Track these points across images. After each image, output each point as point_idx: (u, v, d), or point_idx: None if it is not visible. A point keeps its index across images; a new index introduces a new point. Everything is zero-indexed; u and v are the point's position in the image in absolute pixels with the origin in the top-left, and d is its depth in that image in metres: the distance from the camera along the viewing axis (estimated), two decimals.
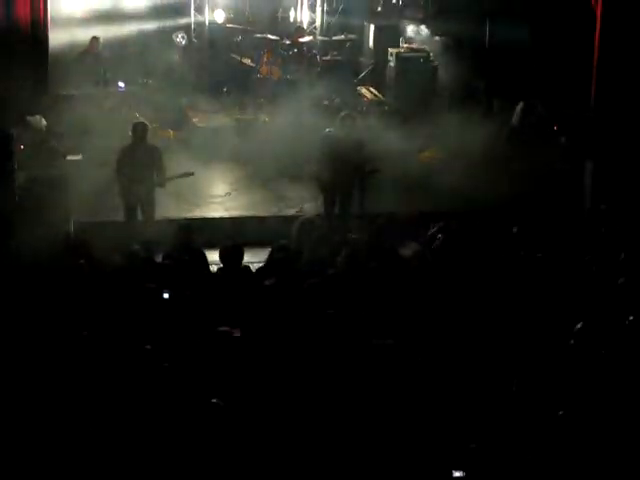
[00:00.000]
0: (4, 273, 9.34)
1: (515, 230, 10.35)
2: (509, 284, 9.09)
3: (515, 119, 13.44)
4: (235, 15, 17.94)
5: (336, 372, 7.49)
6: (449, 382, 7.45)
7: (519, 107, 13.79)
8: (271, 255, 9.93)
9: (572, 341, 7.75)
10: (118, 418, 6.78)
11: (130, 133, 12.26)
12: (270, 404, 7.04)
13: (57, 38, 15.59)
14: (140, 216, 12.19)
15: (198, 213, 13.36)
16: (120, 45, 16.91)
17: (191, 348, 7.85)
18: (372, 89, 17.27)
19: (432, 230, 10.53)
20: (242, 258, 9.62)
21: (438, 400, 7.20)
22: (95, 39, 16.09)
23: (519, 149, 13.11)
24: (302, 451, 6.61)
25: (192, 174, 12.42)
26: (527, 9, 16.57)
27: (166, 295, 8.77)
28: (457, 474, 6.32)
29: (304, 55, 17.27)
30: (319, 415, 6.95)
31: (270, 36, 17.24)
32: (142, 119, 13.49)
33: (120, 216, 12.30)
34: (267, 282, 9.14)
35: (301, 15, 18.44)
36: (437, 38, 17.33)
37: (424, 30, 17.64)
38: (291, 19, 18.32)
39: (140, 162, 11.97)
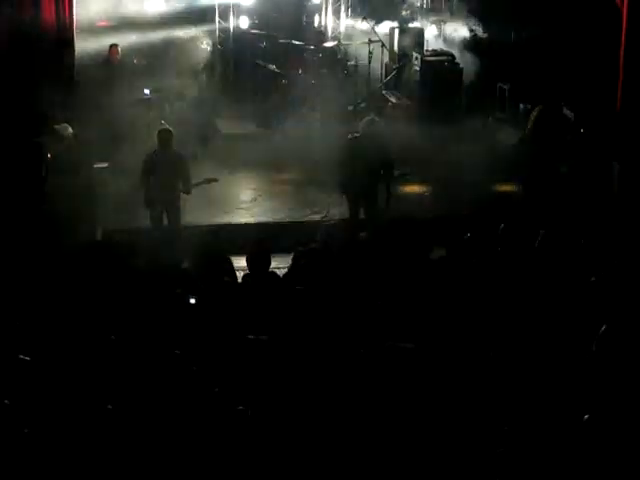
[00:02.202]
0: (32, 278, 9.42)
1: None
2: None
3: (530, 124, 13.24)
4: (260, 21, 17.97)
5: (363, 378, 7.50)
6: (466, 386, 7.46)
7: (534, 112, 13.61)
8: (296, 260, 9.93)
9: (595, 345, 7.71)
10: (142, 422, 6.83)
11: (156, 140, 12.34)
12: (297, 411, 7.06)
13: (83, 44, 15.71)
14: (165, 223, 12.25)
15: (225, 219, 13.38)
16: (145, 52, 16.98)
17: (219, 354, 7.89)
18: (397, 93, 17.26)
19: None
20: (269, 263, 9.63)
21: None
22: (114, 47, 16.15)
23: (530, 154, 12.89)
24: (328, 458, 6.62)
25: (216, 180, 12.46)
26: (551, 10, 16.64)
27: (192, 300, 8.81)
28: None
29: (328, 60, 17.29)
30: (346, 424, 6.96)
31: (295, 42, 17.27)
32: (167, 126, 13.54)
33: (147, 223, 12.35)
34: (297, 287, 9.17)
35: (325, 20, 18.46)
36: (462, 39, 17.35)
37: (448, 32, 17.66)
38: (315, 24, 18.32)
39: (165, 169, 12.03)
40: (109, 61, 16.14)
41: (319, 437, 6.81)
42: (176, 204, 12.17)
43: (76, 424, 6.82)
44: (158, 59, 16.86)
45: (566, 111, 14.24)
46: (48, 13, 14.30)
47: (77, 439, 6.70)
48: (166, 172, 12.02)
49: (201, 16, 17.93)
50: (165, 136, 12.22)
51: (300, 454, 6.65)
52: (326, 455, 6.66)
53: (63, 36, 14.49)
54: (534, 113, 13.31)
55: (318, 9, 18.36)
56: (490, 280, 9.18)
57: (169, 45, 17.17)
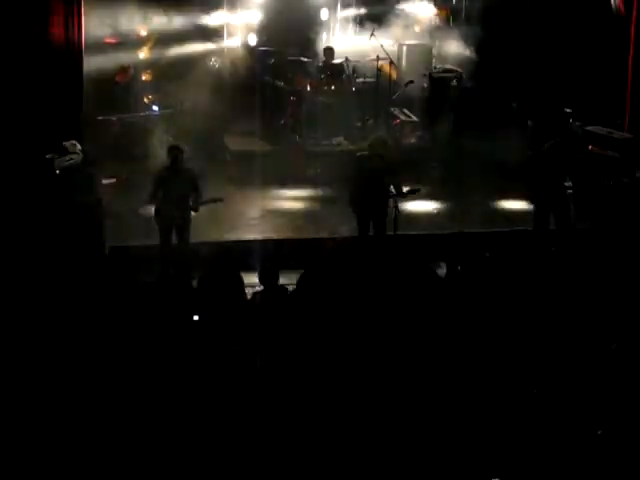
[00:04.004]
0: (40, 295, 9.43)
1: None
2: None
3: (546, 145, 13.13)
4: (268, 38, 17.99)
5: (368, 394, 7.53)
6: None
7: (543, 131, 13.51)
8: (305, 277, 9.93)
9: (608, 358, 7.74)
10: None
11: (165, 156, 12.30)
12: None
13: (91, 61, 15.72)
14: (175, 239, 12.21)
15: (233, 236, 13.32)
16: (154, 69, 17.02)
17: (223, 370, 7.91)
18: (405, 110, 17.25)
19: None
20: (278, 279, 9.63)
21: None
22: (124, 69, 16.14)
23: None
24: None
25: (221, 200, 12.37)
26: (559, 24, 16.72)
27: (196, 317, 8.81)
28: None
29: (337, 77, 17.30)
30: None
31: (303, 58, 17.28)
32: (177, 142, 13.53)
33: (155, 240, 12.31)
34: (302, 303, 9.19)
35: (334, 37, 18.48)
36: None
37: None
38: (323, 41, 18.31)
39: (176, 185, 12.00)
40: (119, 80, 16.16)
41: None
42: (186, 221, 12.14)
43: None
44: (166, 76, 16.90)
45: (575, 128, 14.23)
46: (57, 29, 14.26)
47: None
48: (177, 188, 11.99)
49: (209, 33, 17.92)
50: (175, 152, 12.20)
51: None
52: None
53: (71, 55, 14.45)
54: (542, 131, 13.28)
55: (326, 25, 18.34)
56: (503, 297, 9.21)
57: (177, 62, 17.23)
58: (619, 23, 14.97)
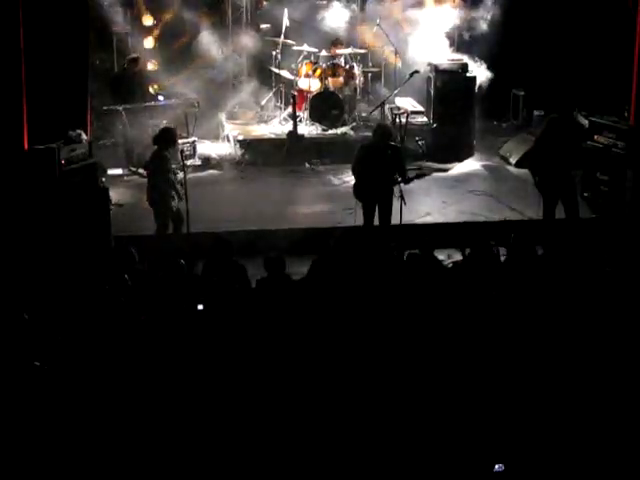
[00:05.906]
0: (48, 284, 9.46)
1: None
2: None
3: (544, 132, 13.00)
4: (273, 27, 17.97)
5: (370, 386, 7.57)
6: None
7: (547, 120, 13.39)
8: (312, 267, 9.96)
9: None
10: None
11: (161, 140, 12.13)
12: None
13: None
14: (170, 228, 12.11)
15: (238, 225, 13.28)
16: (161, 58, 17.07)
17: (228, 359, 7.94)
18: (411, 100, 17.21)
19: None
20: (284, 268, 9.65)
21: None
22: (133, 60, 16.18)
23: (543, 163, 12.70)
24: None
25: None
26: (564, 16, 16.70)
27: (200, 307, 8.81)
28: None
29: (342, 67, 17.28)
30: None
31: (308, 48, 17.26)
32: (171, 125, 13.49)
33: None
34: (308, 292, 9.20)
35: (339, 26, 18.42)
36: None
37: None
38: (329, 30, 18.25)
39: (171, 169, 11.89)
40: (127, 70, 16.18)
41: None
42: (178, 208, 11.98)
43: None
44: (173, 64, 16.93)
45: (580, 118, 14.17)
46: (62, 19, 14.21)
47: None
48: (172, 172, 11.88)
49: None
50: (169, 134, 12.09)
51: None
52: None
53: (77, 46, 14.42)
54: (547, 120, 13.21)
55: (332, 15, 18.27)
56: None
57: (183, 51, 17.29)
58: (626, 12, 14.92)
